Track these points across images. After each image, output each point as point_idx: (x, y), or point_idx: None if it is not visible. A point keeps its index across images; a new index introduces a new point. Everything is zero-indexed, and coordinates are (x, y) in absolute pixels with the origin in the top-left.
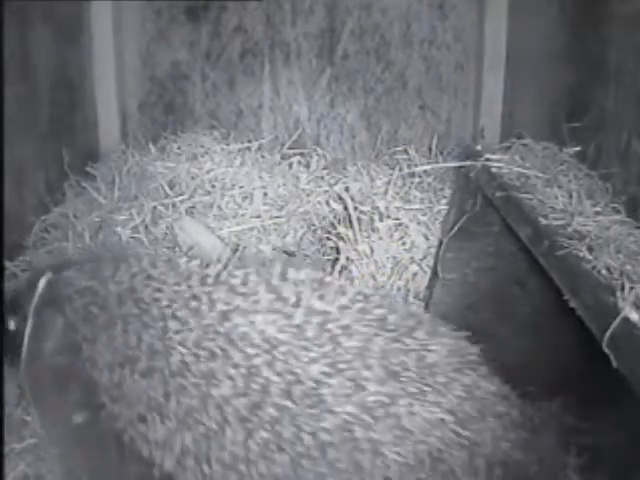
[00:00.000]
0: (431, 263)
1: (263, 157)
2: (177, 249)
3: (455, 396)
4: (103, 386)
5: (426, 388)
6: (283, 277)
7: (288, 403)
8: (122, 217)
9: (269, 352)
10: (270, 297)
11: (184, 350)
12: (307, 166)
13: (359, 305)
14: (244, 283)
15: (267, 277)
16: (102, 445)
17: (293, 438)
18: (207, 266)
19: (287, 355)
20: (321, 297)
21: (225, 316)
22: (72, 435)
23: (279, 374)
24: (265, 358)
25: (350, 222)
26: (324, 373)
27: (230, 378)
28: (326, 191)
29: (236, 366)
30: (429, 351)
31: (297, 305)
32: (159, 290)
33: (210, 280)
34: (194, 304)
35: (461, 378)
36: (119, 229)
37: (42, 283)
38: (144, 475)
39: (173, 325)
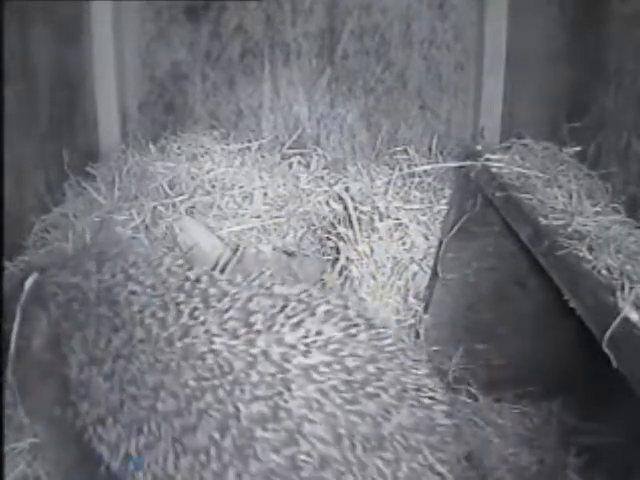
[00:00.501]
0: (431, 263)
1: (263, 157)
2: (176, 248)
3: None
4: (73, 383)
5: (370, 462)
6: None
7: (217, 436)
8: (122, 217)
9: (219, 377)
10: (239, 317)
11: (143, 359)
12: (307, 166)
13: (333, 347)
14: (219, 298)
15: (249, 292)
16: (70, 442)
17: (218, 472)
18: (190, 269)
19: (234, 385)
20: (295, 326)
21: (186, 331)
22: (53, 431)
23: (220, 402)
24: (213, 383)
25: (350, 222)
26: (263, 416)
27: (175, 396)
28: (326, 191)
29: (184, 385)
30: (387, 419)
31: (263, 332)
32: (134, 293)
33: (187, 286)
34: (161, 314)
35: (413, 458)
36: (119, 229)
37: (29, 282)
38: (96, 473)
39: (139, 333)
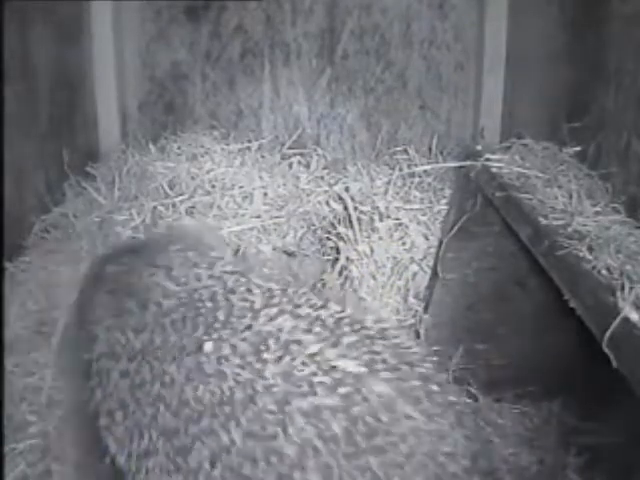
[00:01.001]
0: (431, 263)
1: (263, 157)
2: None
3: None
4: (93, 369)
5: None
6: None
7: (207, 465)
8: (122, 217)
9: (218, 405)
10: (254, 340)
11: (155, 366)
12: (307, 166)
13: (344, 389)
14: (243, 313)
15: (275, 309)
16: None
17: None
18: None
19: (231, 416)
20: (309, 359)
21: (200, 347)
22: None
23: (215, 431)
24: (212, 408)
25: (350, 222)
26: (254, 455)
27: (174, 413)
28: (326, 191)
29: (185, 403)
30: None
31: (271, 363)
32: (165, 296)
33: (219, 295)
34: (179, 325)
35: None
36: (119, 229)
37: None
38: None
39: (157, 338)
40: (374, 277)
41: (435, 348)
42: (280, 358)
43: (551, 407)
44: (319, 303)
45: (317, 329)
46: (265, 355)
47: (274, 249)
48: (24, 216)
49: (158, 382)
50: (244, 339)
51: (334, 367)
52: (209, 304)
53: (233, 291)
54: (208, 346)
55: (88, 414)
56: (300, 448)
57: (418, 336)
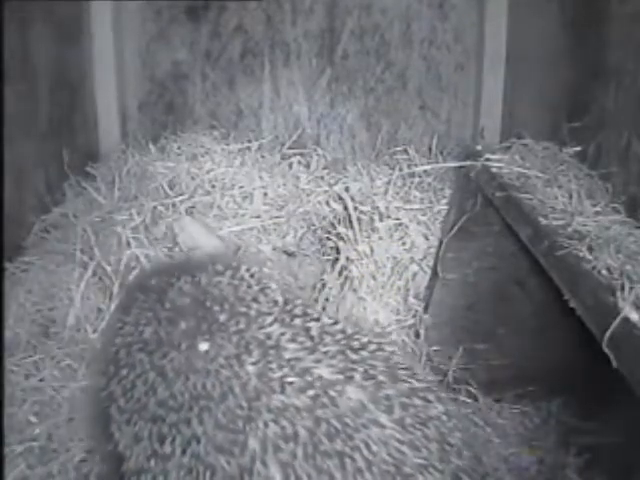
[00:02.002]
0: (431, 263)
1: (263, 157)
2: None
3: None
4: (114, 359)
5: None
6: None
7: (179, 452)
8: (122, 217)
9: (193, 400)
10: (238, 343)
11: (169, 375)
12: (307, 166)
13: (313, 392)
14: (236, 321)
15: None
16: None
17: None
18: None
19: (205, 409)
20: (285, 364)
21: (218, 371)
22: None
23: (189, 421)
24: (189, 401)
25: (350, 222)
26: (221, 446)
27: (157, 399)
28: (326, 191)
29: (171, 394)
30: None
31: (249, 364)
32: (180, 296)
33: (217, 299)
34: (182, 322)
35: None
36: (119, 229)
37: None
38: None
39: (162, 332)
40: (374, 277)
41: (435, 348)
42: (258, 361)
43: (551, 407)
44: (315, 315)
45: (301, 338)
46: (245, 357)
47: (274, 249)
48: (24, 216)
49: (154, 372)
50: (231, 341)
51: (307, 370)
52: (216, 308)
53: (241, 299)
54: (203, 345)
55: (102, 400)
56: (262, 443)
57: (418, 336)
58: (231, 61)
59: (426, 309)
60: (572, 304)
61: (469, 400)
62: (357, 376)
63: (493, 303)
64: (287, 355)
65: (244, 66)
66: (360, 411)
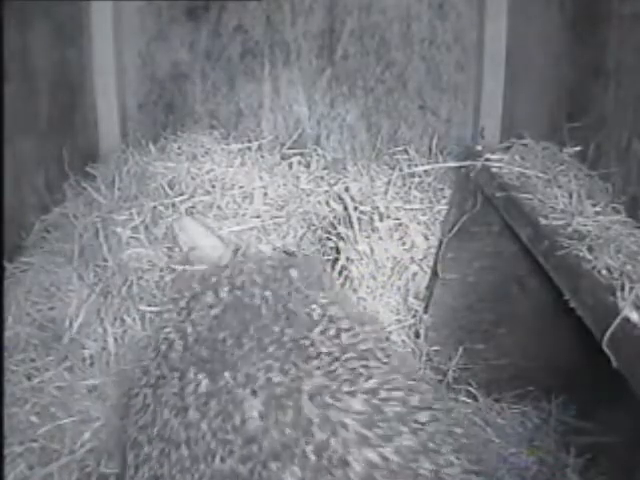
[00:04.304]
0: (431, 263)
1: (263, 157)
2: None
3: None
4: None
5: None
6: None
7: (167, 450)
8: (122, 217)
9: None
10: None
11: (199, 377)
12: (307, 166)
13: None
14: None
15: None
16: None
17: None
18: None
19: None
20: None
21: (238, 400)
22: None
23: (173, 427)
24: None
25: (350, 222)
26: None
27: (159, 402)
28: (326, 191)
29: (165, 403)
30: None
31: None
32: (210, 307)
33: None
34: (194, 335)
35: None
36: (119, 229)
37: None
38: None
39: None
40: (374, 277)
41: (435, 348)
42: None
43: (551, 407)
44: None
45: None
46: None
47: (274, 249)
48: (24, 216)
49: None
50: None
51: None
52: (264, 311)
53: (289, 309)
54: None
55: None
56: (213, 437)
57: (418, 336)
58: (231, 61)
59: (426, 309)
60: (572, 304)
61: (469, 400)
62: (334, 384)
63: (493, 303)
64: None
65: (244, 66)
66: (324, 413)
